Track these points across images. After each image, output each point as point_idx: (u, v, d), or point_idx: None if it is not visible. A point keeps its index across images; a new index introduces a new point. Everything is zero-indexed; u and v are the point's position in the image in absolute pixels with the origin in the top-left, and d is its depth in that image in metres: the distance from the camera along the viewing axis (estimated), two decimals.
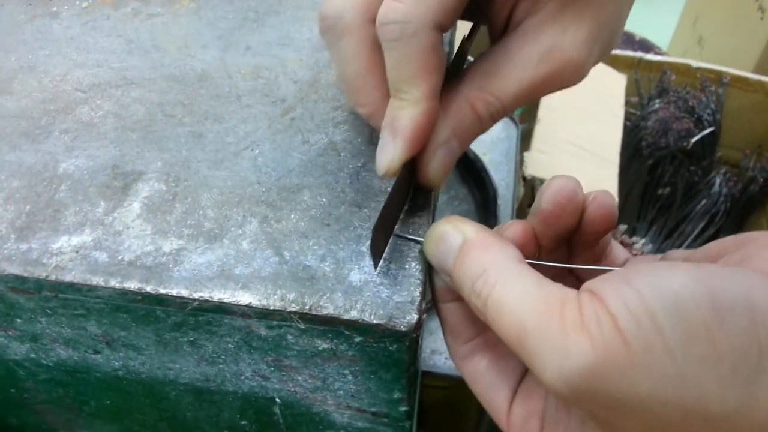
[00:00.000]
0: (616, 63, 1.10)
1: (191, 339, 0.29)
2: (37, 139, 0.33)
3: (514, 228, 0.27)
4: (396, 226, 0.28)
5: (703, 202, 1.10)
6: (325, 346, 0.27)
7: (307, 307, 0.26)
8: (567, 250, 0.30)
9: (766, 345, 0.19)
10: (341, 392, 0.30)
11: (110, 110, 0.34)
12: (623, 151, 0.96)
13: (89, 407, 0.37)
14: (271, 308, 0.26)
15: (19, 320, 0.30)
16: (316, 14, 0.39)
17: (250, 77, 0.36)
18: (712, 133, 1.10)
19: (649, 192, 1.12)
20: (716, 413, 0.19)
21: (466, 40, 0.31)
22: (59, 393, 0.36)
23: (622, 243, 0.94)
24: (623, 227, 0.95)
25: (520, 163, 0.81)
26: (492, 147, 0.82)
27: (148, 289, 0.27)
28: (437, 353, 0.62)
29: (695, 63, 1.12)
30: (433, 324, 0.62)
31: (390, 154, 0.26)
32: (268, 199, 0.30)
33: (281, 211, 0.29)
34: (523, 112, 1.03)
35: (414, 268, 0.27)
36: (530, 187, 0.82)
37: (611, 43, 0.28)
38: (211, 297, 0.26)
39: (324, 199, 0.30)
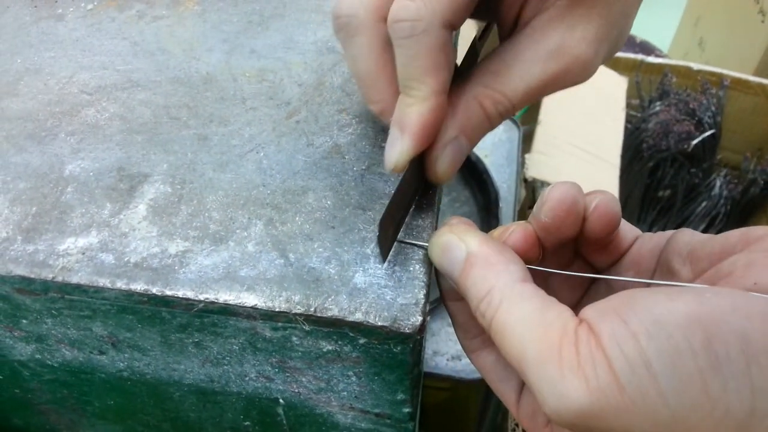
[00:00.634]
0: (618, 65, 1.10)
1: (196, 340, 0.29)
2: (43, 141, 0.33)
3: (516, 235, 0.28)
4: (401, 230, 0.28)
5: (704, 204, 1.11)
6: (330, 347, 0.27)
7: (312, 309, 0.26)
8: (573, 242, 0.30)
9: (758, 387, 0.19)
10: (345, 393, 0.30)
11: (116, 112, 0.34)
12: (624, 154, 0.96)
13: (93, 408, 0.37)
14: (277, 310, 0.26)
15: (25, 321, 0.30)
16: (321, 18, 0.40)
17: (255, 80, 0.36)
18: (712, 135, 1.10)
19: (649, 194, 1.13)
20: None
21: (478, 40, 0.31)
22: (63, 393, 0.36)
23: None
24: None
25: (522, 165, 0.81)
26: (494, 149, 0.82)
27: (154, 290, 0.27)
28: (439, 354, 0.62)
29: (696, 65, 1.13)
30: (435, 326, 0.62)
31: (398, 149, 0.27)
32: (273, 201, 0.30)
33: (286, 214, 0.29)
34: (525, 114, 1.03)
35: (418, 270, 0.27)
36: (531, 189, 0.82)
37: (618, 42, 0.28)
38: (216, 299, 0.26)
39: (329, 202, 0.30)
